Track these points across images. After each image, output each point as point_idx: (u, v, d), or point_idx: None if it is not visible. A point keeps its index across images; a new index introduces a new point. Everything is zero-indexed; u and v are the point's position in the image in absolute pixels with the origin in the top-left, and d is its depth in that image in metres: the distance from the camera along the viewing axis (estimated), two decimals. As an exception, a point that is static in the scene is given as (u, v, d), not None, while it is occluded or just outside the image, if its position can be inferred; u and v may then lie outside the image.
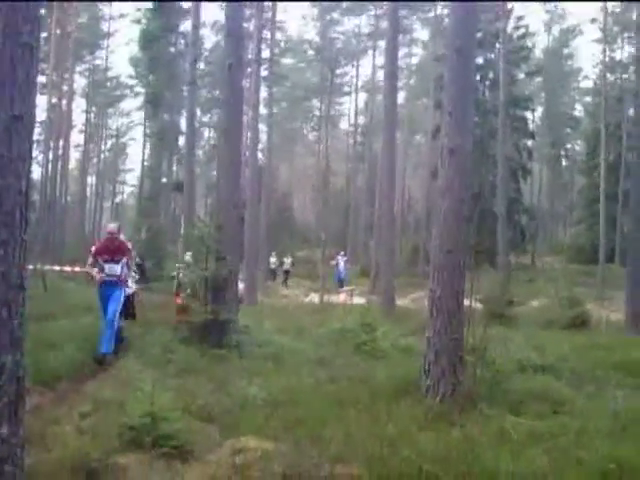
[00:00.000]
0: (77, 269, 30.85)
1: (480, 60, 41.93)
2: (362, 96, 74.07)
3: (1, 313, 5.49)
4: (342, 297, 33.38)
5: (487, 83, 45.40)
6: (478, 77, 42.23)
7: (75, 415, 8.70)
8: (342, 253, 45.42)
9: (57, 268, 31.68)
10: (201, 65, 55.92)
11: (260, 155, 50.44)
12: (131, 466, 6.99)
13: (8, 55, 5.61)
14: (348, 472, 6.79)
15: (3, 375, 5.49)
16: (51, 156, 56.35)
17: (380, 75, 59.86)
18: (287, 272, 46.83)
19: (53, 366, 10.77)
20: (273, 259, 48.94)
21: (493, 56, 44.75)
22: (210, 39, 63.25)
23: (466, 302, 10.46)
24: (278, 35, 58.95)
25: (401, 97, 58.51)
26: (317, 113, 76.44)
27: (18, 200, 5.64)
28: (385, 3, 42.90)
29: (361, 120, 72.82)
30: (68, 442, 7.49)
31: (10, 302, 5.55)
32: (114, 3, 64.18)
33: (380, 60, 62.13)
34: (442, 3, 50.66)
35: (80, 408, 8.96)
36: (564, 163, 67.92)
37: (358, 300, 31.60)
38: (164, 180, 47.56)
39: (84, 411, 8.81)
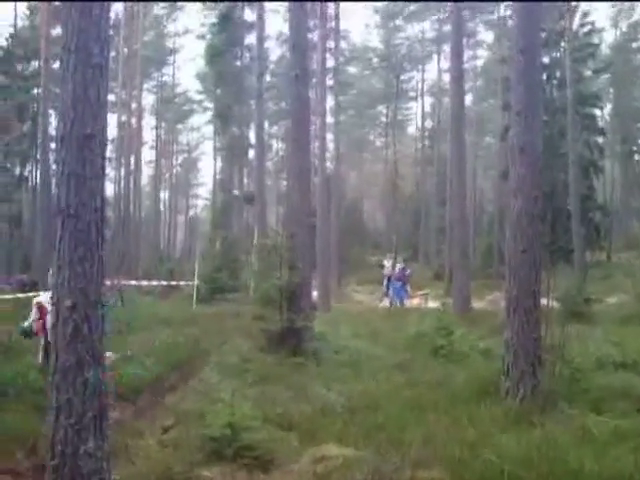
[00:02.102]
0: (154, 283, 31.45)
1: (546, 59, 41.36)
2: (428, 100, 73.76)
3: (82, 329, 5.62)
4: (416, 301, 33.15)
5: (554, 82, 44.72)
6: (545, 76, 41.64)
7: (157, 428, 8.81)
8: (389, 257, 37.93)
9: (134, 283, 32.14)
10: (267, 77, 56.31)
11: (329, 163, 50.49)
12: (214, 478, 7.06)
13: (80, 76, 5.75)
14: (430, 476, 6.75)
15: (87, 390, 5.61)
16: (123, 173, 57.24)
17: (446, 78, 59.43)
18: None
19: (133, 380, 10.92)
20: (387, 263, 38.37)
21: (559, 55, 44.16)
22: (275, 51, 63.65)
23: (543, 301, 10.37)
24: (342, 44, 59.16)
25: (468, 99, 58.05)
26: (384, 119, 76.34)
27: (93, 217, 5.78)
28: (448, 6, 42.62)
29: (428, 124, 72.45)
30: (152, 455, 7.60)
31: (90, 317, 5.67)
32: (179, 19, 65.19)
33: (445, 64, 61.78)
34: (505, 3, 50.21)
35: (162, 421, 9.07)
36: (636, 158, 66.68)
37: (432, 304, 31.38)
38: (236, 192, 47.90)
39: (166, 424, 8.92)
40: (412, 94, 74.67)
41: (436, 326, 16.02)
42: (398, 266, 35.21)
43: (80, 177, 5.77)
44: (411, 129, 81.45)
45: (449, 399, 10.05)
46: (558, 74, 43.90)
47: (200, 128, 78.00)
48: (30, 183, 48.75)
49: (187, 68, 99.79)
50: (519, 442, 7.62)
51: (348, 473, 6.82)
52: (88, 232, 5.76)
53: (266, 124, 58.97)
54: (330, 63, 48.22)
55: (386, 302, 33.75)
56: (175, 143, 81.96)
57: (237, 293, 30.06)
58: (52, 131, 38.27)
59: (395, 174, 63.10)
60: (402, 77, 69.97)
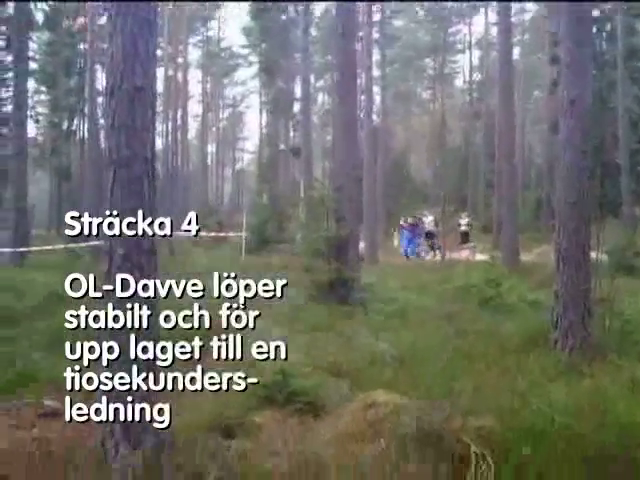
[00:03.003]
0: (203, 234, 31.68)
1: (596, 12, 40.64)
2: (476, 53, 72.92)
3: (134, 276, 5.72)
4: (464, 254, 33.13)
5: (604, 35, 44.02)
6: (595, 29, 40.98)
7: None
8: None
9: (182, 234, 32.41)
10: (313, 31, 56.01)
11: (375, 116, 50.33)
12: (266, 423, 7.16)
13: (129, 30, 5.82)
14: (480, 424, 6.77)
15: (139, 337, 5.74)
16: (170, 127, 57.57)
17: (493, 32, 58.72)
18: (466, 234, 39.50)
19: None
20: (464, 220, 40.74)
21: (610, 7, 43.34)
22: (321, 5, 63.26)
23: (592, 255, 10.32)
24: (389, -4, 58.60)
25: (516, 52, 57.39)
26: (431, 72, 75.73)
27: (145, 168, 5.90)
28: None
29: (476, 77, 71.68)
30: (203, 402, 7.70)
31: (143, 265, 5.78)
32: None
33: (493, 17, 61.07)
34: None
35: (213, 368, 9.16)
36: (688, 111, 65.41)
37: (480, 257, 31.28)
38: (282, 146, 48.03)
39: (217, 370, 9.01)
40: (459, 47, 73.96)
41: (485, 278, 16.01)
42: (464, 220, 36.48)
43: (130, 129, 5.86)
44: (458, 82, 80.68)
45: (498, 349, 10.04)
46: (608, 27, 43.16)
47: (246, 82, 78.02)
48: (77, 137, 49.26)
49: (233, 23, 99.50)
50: (569, 392, 7.61)
51: (398, 419, 6.86)
52: (140, 183, 5.86)
53: (312, 77, 58.81)
54: (376, 16, 47.89)
55: (434, 255, 33.97)
56: (221, 97, 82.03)
57: (284, 244, 30.32)
58: (99, 85, 38.56)
59: (442, 127, 62.61)
60: (449, 30, 69.31)
